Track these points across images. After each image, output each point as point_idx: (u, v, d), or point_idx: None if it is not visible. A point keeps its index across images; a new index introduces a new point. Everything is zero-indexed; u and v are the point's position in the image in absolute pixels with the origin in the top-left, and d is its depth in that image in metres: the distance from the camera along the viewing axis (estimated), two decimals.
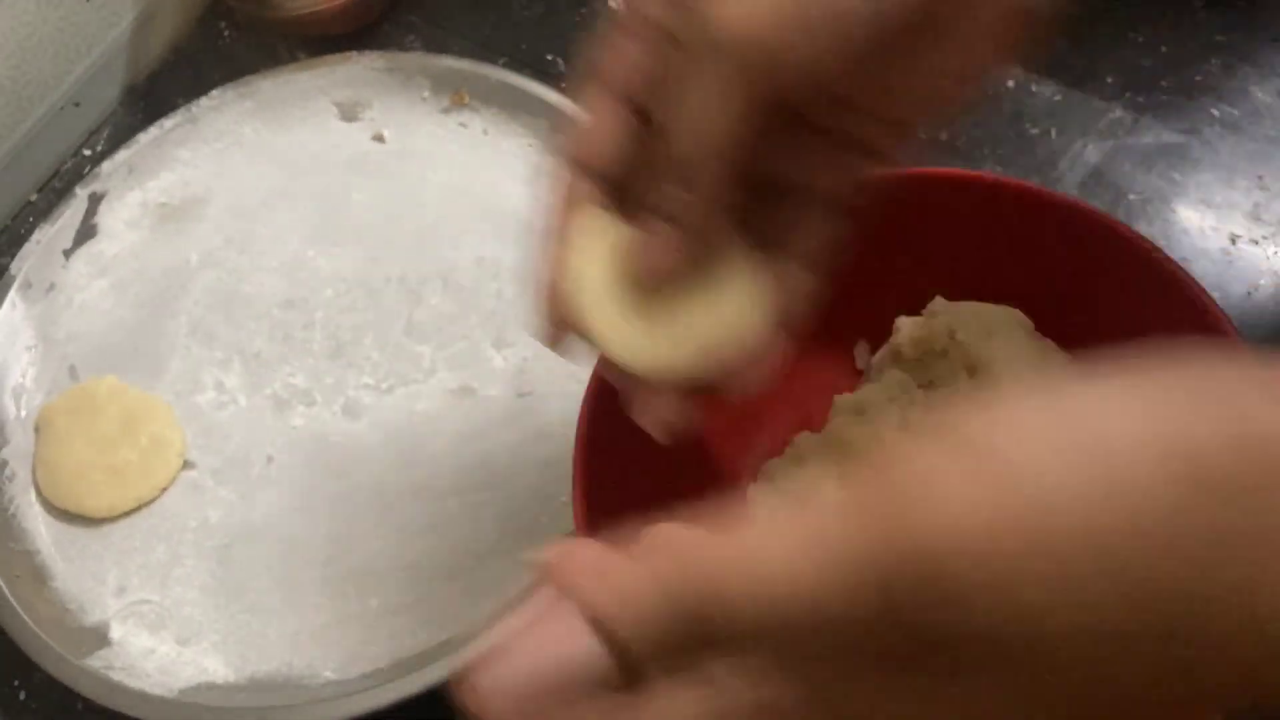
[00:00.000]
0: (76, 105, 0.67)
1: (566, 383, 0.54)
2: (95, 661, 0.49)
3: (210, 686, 0.49)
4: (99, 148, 0.67)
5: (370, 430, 0.55)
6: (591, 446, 0.42)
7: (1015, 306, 0.45)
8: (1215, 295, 0.40)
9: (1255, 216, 0.54)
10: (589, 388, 0.43)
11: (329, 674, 0.49)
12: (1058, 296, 0.44)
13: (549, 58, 0.65)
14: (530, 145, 0.61)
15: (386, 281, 0.59)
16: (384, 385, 0.56)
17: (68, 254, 0.61)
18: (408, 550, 0.51)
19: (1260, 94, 0.57)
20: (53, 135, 0.67)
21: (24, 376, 0.59)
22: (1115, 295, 0.42)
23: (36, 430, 0.56)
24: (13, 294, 0.59)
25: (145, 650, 0.50)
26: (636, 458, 0.44)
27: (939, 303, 0.46)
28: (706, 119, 0.30)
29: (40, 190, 0.66)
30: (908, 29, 0.29)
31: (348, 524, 0.52)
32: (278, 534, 0.53)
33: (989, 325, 0.44)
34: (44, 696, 0.51)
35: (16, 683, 0.52)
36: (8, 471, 0.56)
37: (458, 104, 0.63)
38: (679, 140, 0.31)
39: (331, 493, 0.53)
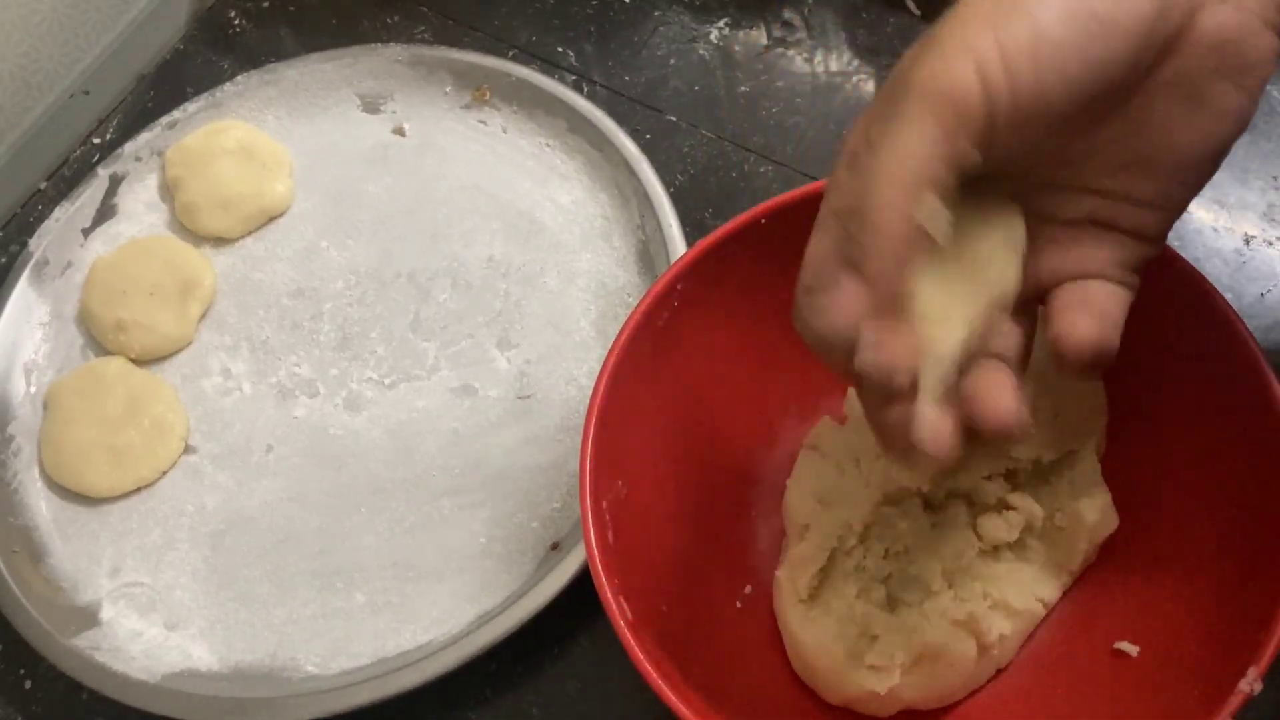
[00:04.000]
0: (86, 93, 0.68)
1: (567, 388, 0.54)
2: (82, 641, 0.50)
3: (193, 674, 0.49)
4: (109, 135, 0.67)
5: (369, 425, 0.54)
6: (599, 446, 0.42)
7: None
8: (1228, 296, 0.39)
9: (1270, 217, 0.53)
10: (597, 389, 0.42)
11: (310, 668, 0.49)
12: None
13: (560, 50, 0.65)
14: (548, 146, 0.60)
15: (396, 276, 0.58)
16: (387, 380, 0.56)
17: (86, 233, 0.61)
18: (397, 548, 0.51)
19: (1277, 94, 0.56)
20: (62, 123, 0.67)
21: (36, 353, 0.59)
22: None
23: (45, 407, 0.57)
24: (29, 271, 0.60)
25: (133, 633, 0.50)
26: (643, 455, 0.43)
27: None
28: (900, 154, 0.29)
29: (50, 178, 0.67)
30: (1121, 89, 0.29)
31: (340, 518, 0.52)
32: (271, 523, 0.53)
33: None
34: (49, 686, 0.51)
35: (22, 671, 0.52)
36: (14, 446, 0.56)
37: (479, 100, 0.62)
38: (875, 183, 0.29)
39: (327, 485, 0.53)
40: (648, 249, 0.56)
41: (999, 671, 0.42)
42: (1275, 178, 0.54)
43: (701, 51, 0.64)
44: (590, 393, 0.42)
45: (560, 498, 0.51)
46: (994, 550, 0.42)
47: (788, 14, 0.64)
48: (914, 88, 0.29)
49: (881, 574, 0.42)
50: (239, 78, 0.64)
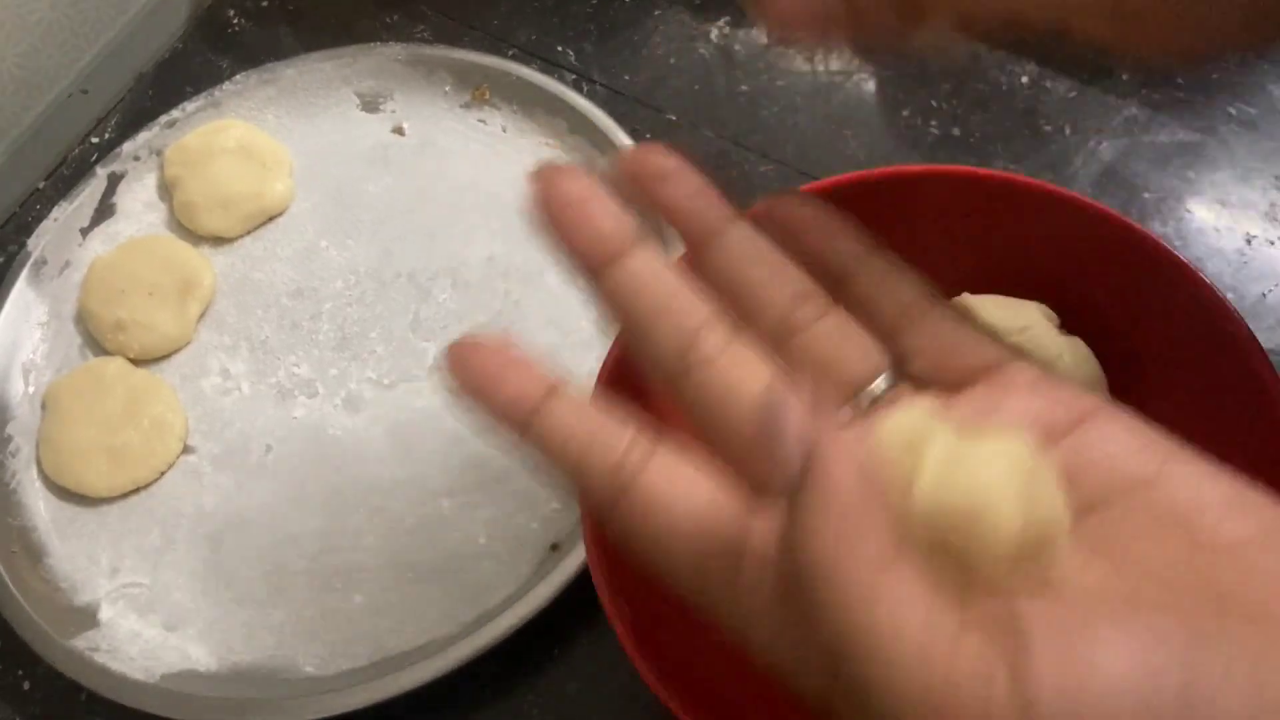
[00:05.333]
0: (85, 92, 0.67)
1: None
2: (81, 642, 0.50)
3: (192, 674, 0.49)
4: (107, 135, 0.67)
5: (369, 425, 0.54)
6: None
7: None
8: (1229, 296, 0.39)
9: (1271, 217, 0.53)
10: (597, 389, 0.42)
11: (309, 669, 0.48)
12: (1074, 296, 0.43)
13: (559, 49, 0.65)
14: (548, 145, 0.60)
15: (396, 276, 0.58)
16: (386, 380, 0.55)
17: (85, 232, 0.61)
18: (396, 548, 0.51)
19: (1278, 92, 0.56)
20: (61, 122, 0.67)
21: (35, 353, 0.59)
22: (1130, 296, 0.41)
23: (44, 407, 0.57)
24: (28, 271, 0.60)
25: (132, 634, 0.50)
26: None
27: (965, 298, 0.45)
28: None
29: (48, 177, 0.67)
30: None
31: (339, 518, 0.52)
32: (270, 524, 0.52)
33: (1012, 317, 0.43)
34: (48, 687, 0.51)
35: (20, 673, 0.52)
36: (12, 446, 0.56)
37: (479, 100, 0.62)
38: None
39: (326, 486, 0.53)
40: None
41: None
42: (1277, 177, 0.54)
43: (702, 51, 0.64)
44: (590, 393, 0.42)
45: (561, 497, 0.50)
46: None
47: None
48: None
49: None
50: (238, 77, 0.64)
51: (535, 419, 0.26)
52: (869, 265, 0.28)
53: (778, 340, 0.28)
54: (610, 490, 0.26)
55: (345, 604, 0.50)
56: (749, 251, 0.28)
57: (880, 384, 0.27)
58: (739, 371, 0.26)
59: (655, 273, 0.27)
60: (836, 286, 0.28)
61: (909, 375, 0.28)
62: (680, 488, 0.25)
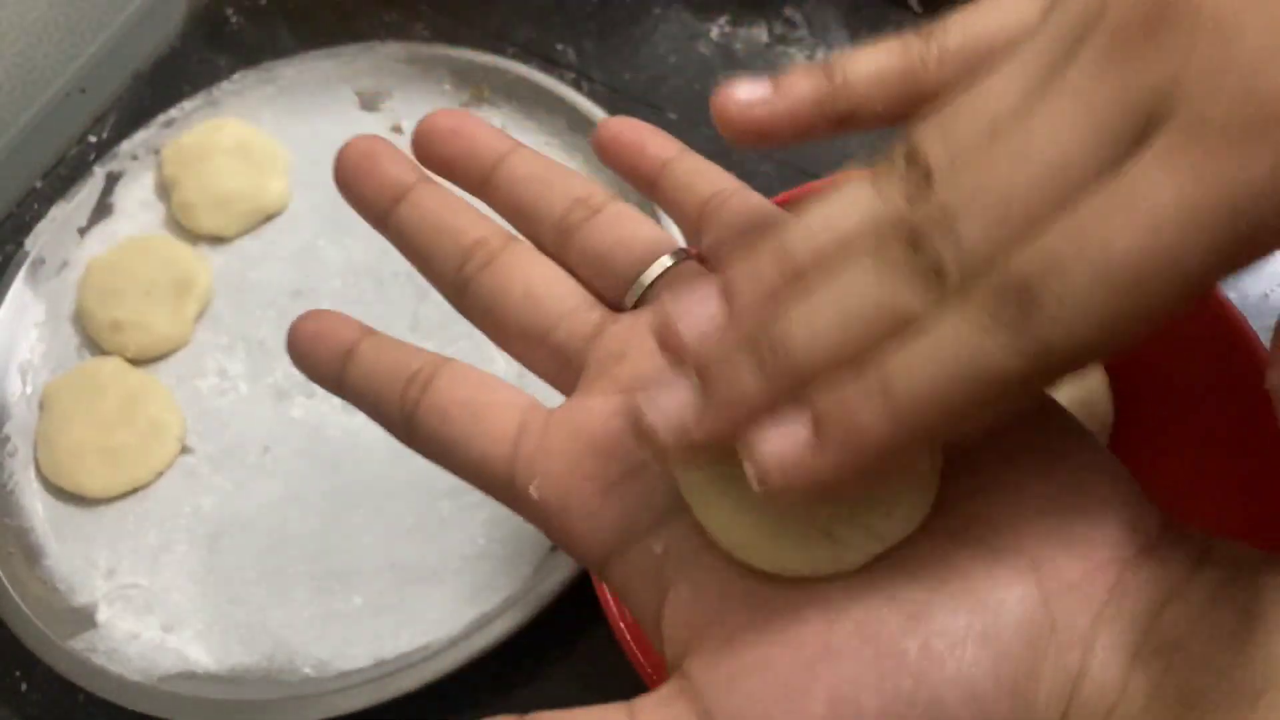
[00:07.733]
0: (82, 91, 0.67)
1: None
2: (78, 644, 0.49)
3: (190, 676, 0.49)
4: (105, 134, 0.67)
5: (367, 425, 0.53)
6: None
7: None
8: (1231, 296, 0.39)
9: None
10: None
11: (308, 671, 0.48)
12: None
13: (559, 47, 0.65)
14: (547, 144, 0.60)
15: (394, 275, 0.58)
16: None
17: (82, 232, 0.61)
18: (395, 550, 0.51)
19: None
20: (58, 121, 0.67)
21: (32, 353, 0.59)
22: None
23: (41, 407, 0.57)
24: (25, 270, 0.59)
25: (129, 635, 0.50)
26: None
27: None
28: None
29: (45, 176, 0.66)
30: None
31: (338, 519, 0.52)
32: (269, 525, 0.52)
33: None
34: (45, 688, 0.51)
35: (18, 673, 0.52)
36: (9, 447, 0.56)
37: (477, 98, 0.62)
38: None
39: (324, 487, 0.53)
40: None
41: None
42: None
43: (702, 49, 0.63)
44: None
45: None
46: None
47: (789, 11, 0.63)
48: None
49: None
50: (236, 75, 0.64)
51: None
52: (678, 164, 0.30)
53: (558, 244, 0.29)
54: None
55: (344, 605, 0.50)
56: (525, 171, 0.29)
57: (664, 262, 0.28)
58: (514, 271, 0.28)
59: (438, 199, 0.29)
60: (651, 190, 0.30)
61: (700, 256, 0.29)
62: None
